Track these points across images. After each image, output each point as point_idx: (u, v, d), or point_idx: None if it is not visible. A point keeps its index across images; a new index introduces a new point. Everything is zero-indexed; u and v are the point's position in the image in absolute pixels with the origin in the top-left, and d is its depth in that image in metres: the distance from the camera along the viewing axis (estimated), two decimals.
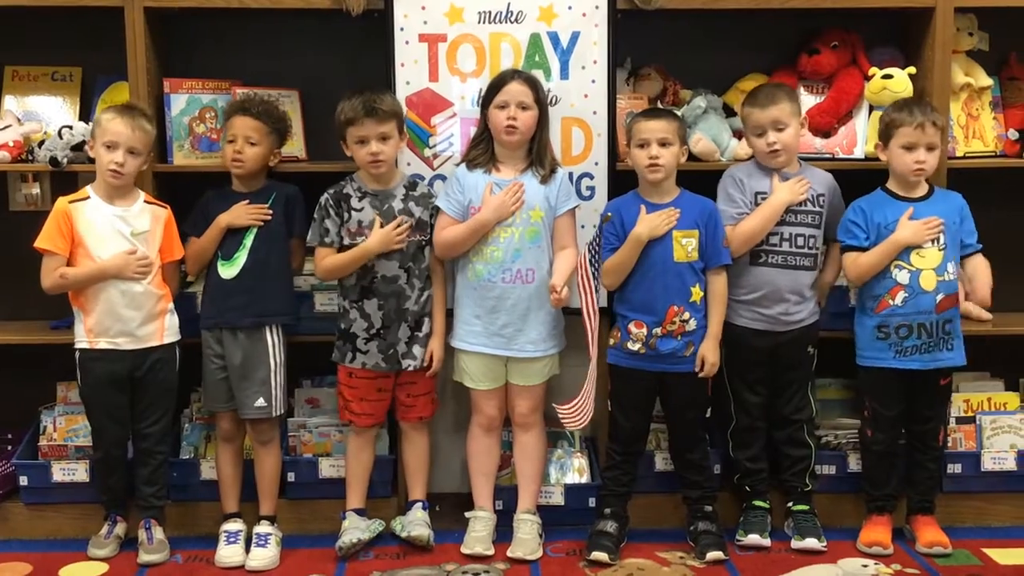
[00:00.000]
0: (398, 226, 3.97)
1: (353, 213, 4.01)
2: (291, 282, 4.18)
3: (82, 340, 3.97)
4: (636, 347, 3.99)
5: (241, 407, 4.06)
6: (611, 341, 4.07)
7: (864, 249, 4.02)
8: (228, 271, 4.04)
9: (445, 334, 4.12)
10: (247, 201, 4.05)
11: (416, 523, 4.10)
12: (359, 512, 4.13)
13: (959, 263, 4.04)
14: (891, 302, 3.99)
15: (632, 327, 3.98)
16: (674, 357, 3.99)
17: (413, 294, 4.04)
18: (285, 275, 4.14)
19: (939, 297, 3.96)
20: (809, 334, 4.12)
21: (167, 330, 4.02)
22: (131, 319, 3.95)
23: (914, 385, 4.06)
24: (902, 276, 3.98)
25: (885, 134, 4.03)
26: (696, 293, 3.97)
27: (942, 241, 3.98)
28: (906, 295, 3.97)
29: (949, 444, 4.27)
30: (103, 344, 3.95)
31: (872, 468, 4.18)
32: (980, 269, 4.07)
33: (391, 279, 4.01)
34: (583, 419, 4.06)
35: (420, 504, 4.17)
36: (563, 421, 4.06)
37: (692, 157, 4.16)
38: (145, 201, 4.02)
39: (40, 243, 3.93)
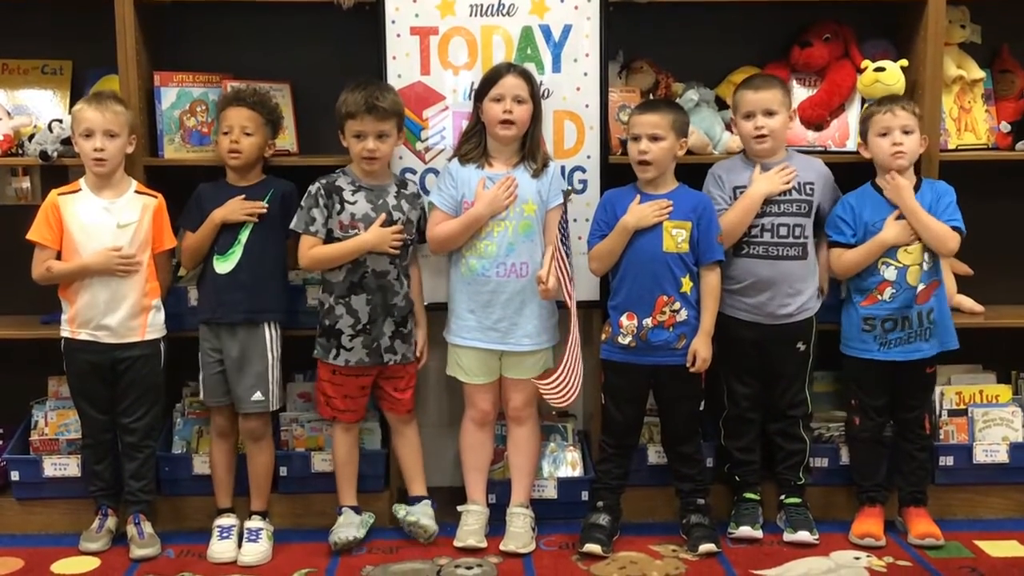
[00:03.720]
0: (397, 231, 3.97)
1: (346, 206, 3.99)
2: (286, 279, 4.17)
3: (65, 330, 3.99)
4: (627, 340, 3.98)
5: (239, 401, 4.05)
6: (603, 336, 4.07)
7: (850, 245, 4.04)
8: (223, 266, 4.02)
9: (428, 325, 4.15)
10: (243, 196, 4.03)
11: (425, 513, 4.10)
12: (355, 509, 4.12)
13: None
14: (879, 297, 4.01)
15: (624, 319, 3.98)
16: (666, 349, 3.98)
17: (401, 290, 4.03)
18: (280, 272, 4.13)
19: (920, 287, 3.98)
20: (800, 330, 4.10)
21: (150, 327, 4.01)
22: (112, 313, 3.95)
23: (898, 374, 4.07)
24: (889, 273, 3.99)
25: (862, 130, 4.08)
26: (686, 284, 3.96)
27: None
28: (894, 291, 3.99)
29: (941, 437, 4.29)
30: (84, 335, 3.96)
31: (859, 458, 4.19)
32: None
33: (381, 274, 3.99)
34: (567, 395, 4.00)
35: (429, 501, 4.16)
36: (546, 397, 4.03)
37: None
38: (136, 191, 4.01)
39: (30, 235, 3.96)
